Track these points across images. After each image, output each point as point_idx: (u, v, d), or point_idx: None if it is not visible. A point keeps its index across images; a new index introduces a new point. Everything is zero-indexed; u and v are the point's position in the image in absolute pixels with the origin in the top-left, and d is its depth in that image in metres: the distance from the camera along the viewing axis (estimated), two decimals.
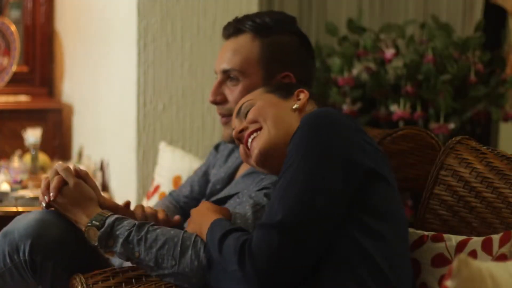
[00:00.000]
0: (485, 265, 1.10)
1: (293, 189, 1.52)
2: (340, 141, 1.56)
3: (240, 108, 1.82)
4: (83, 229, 1.75)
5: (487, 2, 4.31)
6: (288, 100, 1.79)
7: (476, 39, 3.57)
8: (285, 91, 1.82)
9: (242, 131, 1.77)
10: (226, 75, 1.98)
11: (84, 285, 1.73)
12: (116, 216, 1.75)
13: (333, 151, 1.55)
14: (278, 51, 1.97)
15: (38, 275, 1.77)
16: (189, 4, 3.11)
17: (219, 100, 2.00)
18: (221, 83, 1.99)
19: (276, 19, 2.00)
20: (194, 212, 1.78)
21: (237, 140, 1.79)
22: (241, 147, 1.79)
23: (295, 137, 1.59)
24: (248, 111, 1.78)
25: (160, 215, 1.91)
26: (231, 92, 1.97)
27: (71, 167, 1.82)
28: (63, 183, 1.78)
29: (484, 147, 1.80)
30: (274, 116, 1.73)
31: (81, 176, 1.82)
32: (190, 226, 1.75)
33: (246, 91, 1.91)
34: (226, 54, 1.98)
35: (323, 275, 1.52)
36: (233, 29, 2.00)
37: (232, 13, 3.12)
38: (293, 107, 1.76)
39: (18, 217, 1.83)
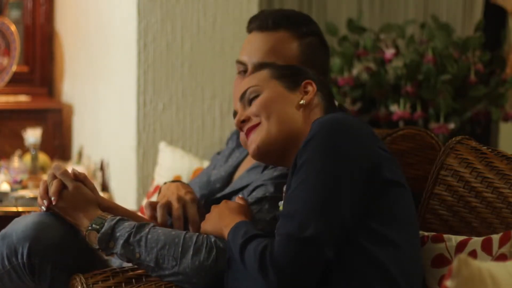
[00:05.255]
0: (485, 265, 1.10)
1: (315, 202, 1.49)
2: (359, 151, 1.53)
3: (245, 93, 1.76)
4: (84, 232, 1.74)
5: (487, 2, 4.31)
6: (294, 92, 1.73)
7: (476, 39, 3.57)
8: (292, 80, 1.75)
9: (244, 121, 1.73)
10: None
11: (84, 285, 1.73)
12: (117, 218, 1.74)
13: (353, 161, 1.52)
14: (311, 53, 1.93)
15: (36, 277, 1.77)
16: (189, 4, 3.11)
17: None
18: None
19: (306, 19, 1.97)
20: (214, 210, 1.74)
21: (239, 128, 1.76)
22: (242, 134, 1.76)
23: (310, 144, 1.54)
24: (252, 99, 1.73)
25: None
26: None
27: (69, 170, 1.82)
28: (62, 187, 1.78)
29: (484, 147, 1.80)
30: (278, 114, 1.69)
31: (80, 179, 1.81)
32: (208, 224, 1.73)
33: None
34: (262, 48, 1.92)
35: (335, 285, 1.50)
36: (271, 23, 1.93)
37: (232, 13, 3.13)
38: (300, 103, 1.71)
39: (16, 219, 1.83)
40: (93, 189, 1.82)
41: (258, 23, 1.96)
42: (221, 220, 1.69)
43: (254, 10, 3.14)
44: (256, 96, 1.73)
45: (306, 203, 1.49)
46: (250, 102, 1.74)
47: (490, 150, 1.79)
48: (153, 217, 1.89)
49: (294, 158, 1.61)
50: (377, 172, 1.54)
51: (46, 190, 1.79)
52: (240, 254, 1.54)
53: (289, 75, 1.76)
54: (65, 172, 1.79)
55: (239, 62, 1.97)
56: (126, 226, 1.72)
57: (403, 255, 1.54)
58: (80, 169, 3.22)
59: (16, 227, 1.78)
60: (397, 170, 1.60)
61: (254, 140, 1.70)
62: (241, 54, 1.97)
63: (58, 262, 1.77)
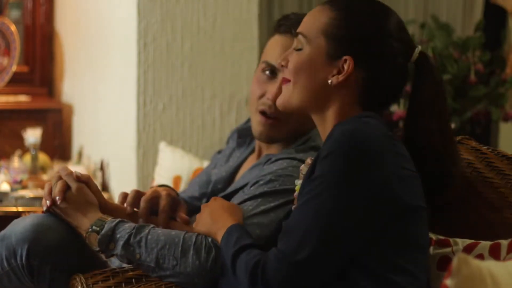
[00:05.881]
0: (485, 264, 1.10)
1: (315, 224, 1.45)
2: (375, 175, 1.47)
3: (298, 34, 1.64)
4: (84, 234, 1.75)
5: (487, 2, 4.31)
6: (332, 63, 1.60)
7: (476, 39, 3.57)
8: (339, 47, 1.60)
9: (283, 66, 1.66)
10: None
11: (84, 285, 1.73)
12: (117, 220, 1.74)
13: (366, 186, 1.46)
14: None
15: (35, 278, 1.77)
16: (189, 4, 3.11)
17: None
18: None
19: None
20: (205, 210, 1.73)
21: (279, 66, 1.71)
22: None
23: (327, 160, 1.48)
24: (297, 48, 1.64)
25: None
26: None
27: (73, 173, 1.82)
28: (66, 187, 1.78)
29: (484, 147, 1.80)
30: (303, 85, 1.61)
31: (83, 180, 1.81)
32: (201, 225, 1.72)
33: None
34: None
35: None
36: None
37: (232, 13, 3.13)
38: (328, 82, 1.60)
39: (15, 220, 1.83)
40: (96, 191, 1.82)
41: (289, 26, 1.91)
42: (213, 222, 1.67)
43: (254, 10, 3.15)
44: (299, 49, 1.64)
45: (306, 223, 1.46)
46: (295, 50, 1.65)
47: (490, 150, 1.79)
48: (122, 204, 1.90)
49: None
50: (395, 198, 1.49)
51: (51, 191, 1.79)
52: (232, 264, 1.53)
53: (340, 39, 1.61)
54: (71, 173, 1.80)
55: (268, 64, 1.93)
56: (126, 228, 1.72)
57: (409, 277, 1.51)
58: (80, 169, 3.23)
59: (15, 228, 1.78)
60: (418, 190, 1.55)
61: (280, 97, 1.67)
62: (271, 56, 1.92)
63: (57, 263, 1.76)
